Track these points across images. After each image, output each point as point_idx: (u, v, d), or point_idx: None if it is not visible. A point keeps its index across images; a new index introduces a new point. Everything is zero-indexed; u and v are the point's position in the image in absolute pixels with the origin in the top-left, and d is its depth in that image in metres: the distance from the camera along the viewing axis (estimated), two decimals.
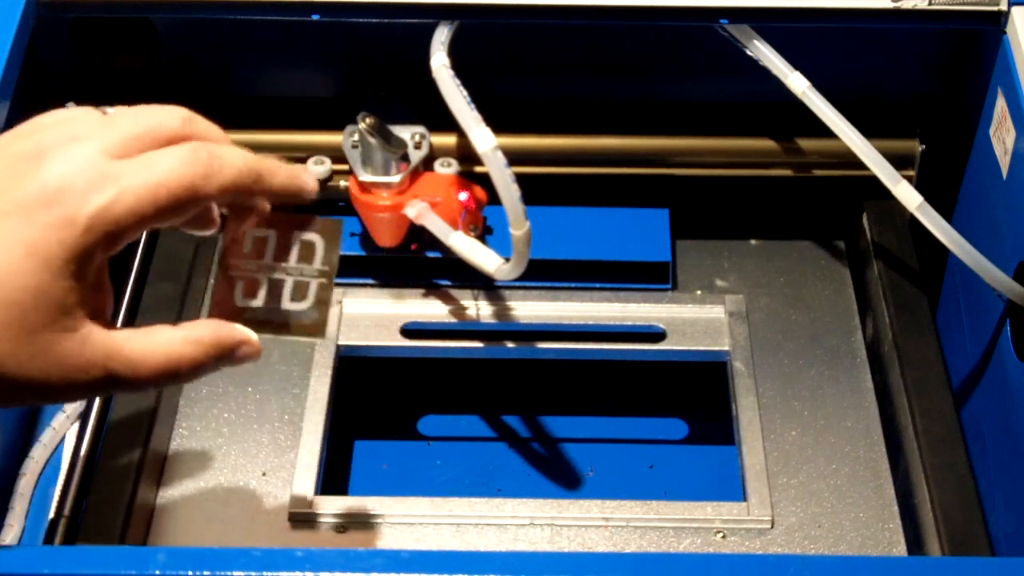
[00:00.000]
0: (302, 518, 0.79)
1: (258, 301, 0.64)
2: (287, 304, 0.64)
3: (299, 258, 0.65)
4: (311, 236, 0.65)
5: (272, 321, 0.64)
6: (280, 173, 0.62)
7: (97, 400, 0.83)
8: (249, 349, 0.62)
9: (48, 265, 0.56)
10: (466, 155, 0.91)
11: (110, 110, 0.61)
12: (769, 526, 0.79)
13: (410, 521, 0.79)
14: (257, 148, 0.94)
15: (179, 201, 0.58)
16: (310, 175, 0.64)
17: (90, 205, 0.56)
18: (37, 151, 0.58)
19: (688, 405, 0.96)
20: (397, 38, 0.93)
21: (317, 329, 0.65)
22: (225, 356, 0.61)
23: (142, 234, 0.60)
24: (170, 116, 0.61)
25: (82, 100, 0.89)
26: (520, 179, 0.78)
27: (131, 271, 0.89)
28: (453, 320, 0.91)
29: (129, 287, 0.88)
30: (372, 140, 0.86)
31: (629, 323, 0.91)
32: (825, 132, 0.85)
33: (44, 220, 0.56)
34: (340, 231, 0.65)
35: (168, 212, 0.58)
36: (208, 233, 0.65)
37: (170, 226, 0.61)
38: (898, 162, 0.86)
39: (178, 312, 0.87)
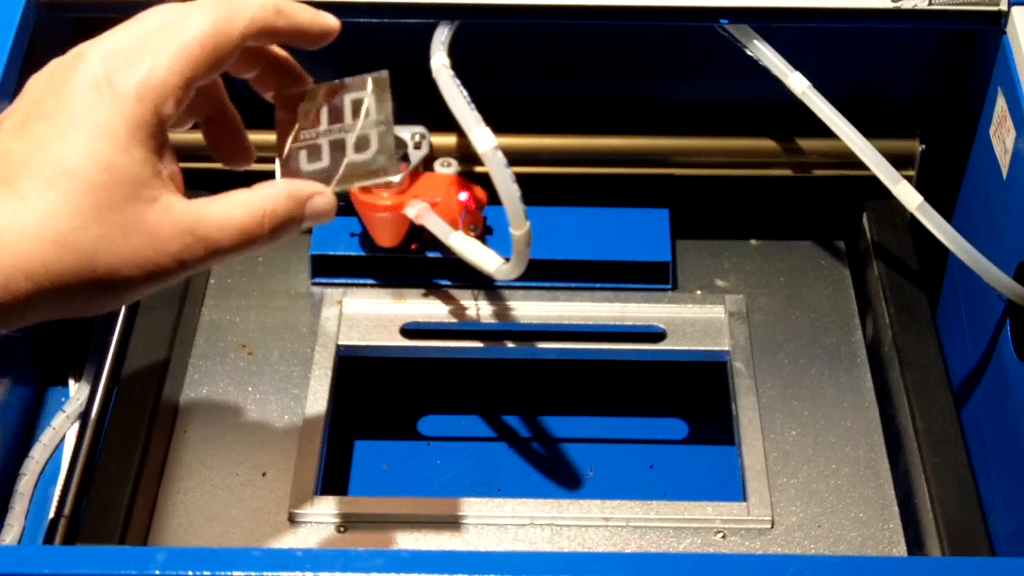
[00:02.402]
0: (302, 518, 0.79)
1: (323, 162, 0.65)
2: (352, 156, 0.66)
3: (353, 116, 0.66)
4: (359, 94, 0.66)
5: (342, 174, 0.65)
6: (303, 10, 0.65)
7: (97, 400, 0.83)
8: (324, 200, 0.64)
9: (115, 141, 0.58)
10: (466, 155, 0.91)
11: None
12: (769, 526, 0.79)
13: (410, 521, 0.79)
14: (257, 148, 0.95)
15: (212, 48, 0.61)
16: (330, 15, 0.66)
17: (133, 78, 0.59)
18: (76, 52, 0.60)
19: (688, 405, 0.96)
20: (397, 38, 0.93)
21: (385, 171, 0.66)
22: (300, 209, 0.63)
23: (194, 95, 0.62)
24: None
25: None
26: (520, 179, 0.78)
27: None
28: (453, 320, 0.91)
29: None
30: None
31: (629, 323, 0.91)
32: (825, 132, 0.85)
33: (98, 102, 0.58)
34: (388, 83, 0.66)
35: (207, 63, 0.61)
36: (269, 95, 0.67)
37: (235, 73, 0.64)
38: (898, 162, 0.86)
39: (179, 306, 0.87)
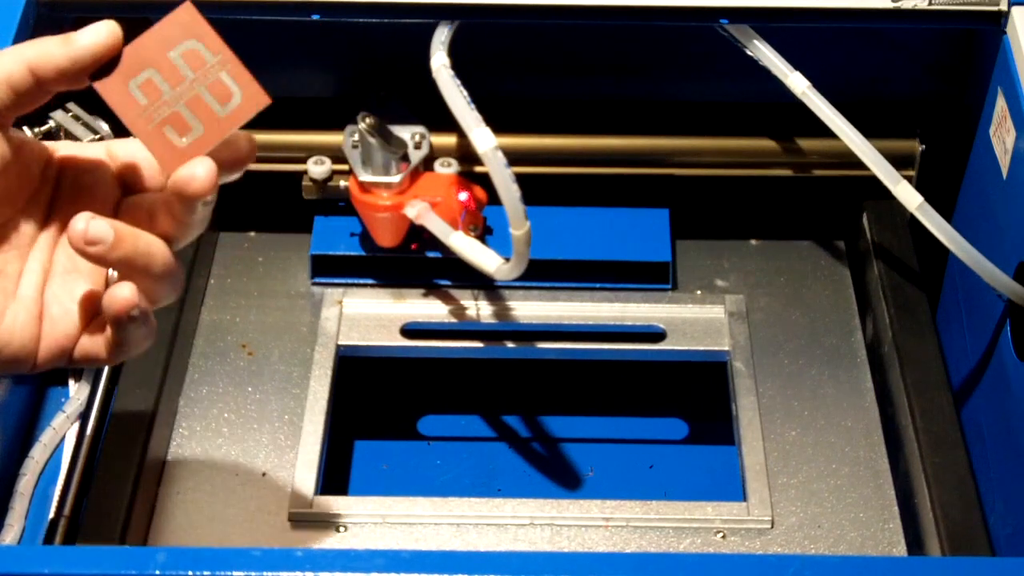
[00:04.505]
0: (302, 518, 0.79)
1: (196, 128, 0.60)
2: (219, 109, 0.61)
3: (191, 68, 0.61)
4: (183, 45, 0.61)
5: (223, 127, 0.61)
6: (52, 52, 0.62)
7: (97, 400, 0.83)
8: (203, 168, 0.59)
9: None
10: (466, 155, 0.91)
11: None
12: (769, 526, 0.79)
13: (410, 521, 0.79)
14: (257, 148, 0.94)
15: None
16: (91, 32, 0.63)
17: None
18: None
19: (688, 405, 0.96)
20: (397, 38, 0.93)
21: (256, 101, 0.61)
22: (185, 187, 0.59)
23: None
24: None
25: (82, 100, 0.89)
26: (520, 179, 0.78)
27: None
28: (453, 320, 0.91)
29: None
30: (372, 140, 0.86)
31: (629, 323, 0.91)
32: (825, 132, 0.85)
33: None
34: (196, 12, 0.61)
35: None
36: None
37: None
38: (898, 162, 0.86)
39: (179, 306, 0.88)
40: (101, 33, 0.63)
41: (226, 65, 0.61)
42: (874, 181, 0.85)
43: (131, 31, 0.95)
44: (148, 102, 0.61)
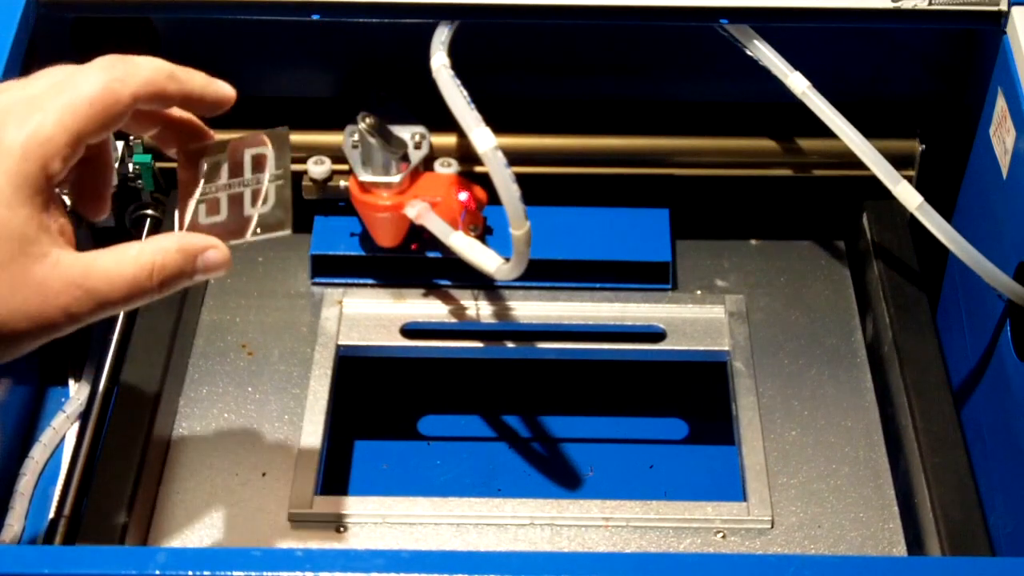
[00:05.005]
0: (302, 518, 0.79)
1: (221, 215, 0.66)
2: (249, 210, 0.66)
3: (253, 171, 0.67)
4: (260, 149, 0.67)
5: (239, 228, 0.66)
6: (196, 76, 0.65)
7: (97, 400, 0.83)
8: (217, 254, 0.64)
9: (1, 198, 0.58)
10: (466, 155, 0.91)
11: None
12: (769, 526, 0.79)
13: (410, 521, 0.79)
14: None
15: (102, 108, 0.61)
16: (226, 84, 0.67)
17: (21, 132, 0.59)
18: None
19: (688, 405, 0.96)
20: (397, 38, 0.93)
21: (281, 225, 0.66)
22: (191, 262, 0.63)
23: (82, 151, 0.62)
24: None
25: None
26: (520, 179, 0.78)
27: None
28: (453, 320, 0.91)
29: None
30: (372, 140, 0.86)
31: (629, 323, 0.91)
32: (825, 132, 0.85)
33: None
34: (287, 137, 0.67)
35: (96, 122, 0.61)
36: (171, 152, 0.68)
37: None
38: (898, 162, 0.86)
39: (179, 306, 0.88)
40: (227, 89, 0.67)
41: (279, 182, 0.67)
42: (874, 181, 0.85)
43: (132, 31, 0.95)
44: (205, 181, 0.67)
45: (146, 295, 0.62)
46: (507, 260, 0.83)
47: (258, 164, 0.67)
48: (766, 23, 0.86)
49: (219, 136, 0.69)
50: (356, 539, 0.78)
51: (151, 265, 0.62)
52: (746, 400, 0.86)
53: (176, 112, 0.67)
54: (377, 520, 0.79)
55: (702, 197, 0.96)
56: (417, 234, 0.90)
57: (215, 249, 0.64)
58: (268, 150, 0.67)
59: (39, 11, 0.86)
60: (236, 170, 0.67)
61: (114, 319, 0.86)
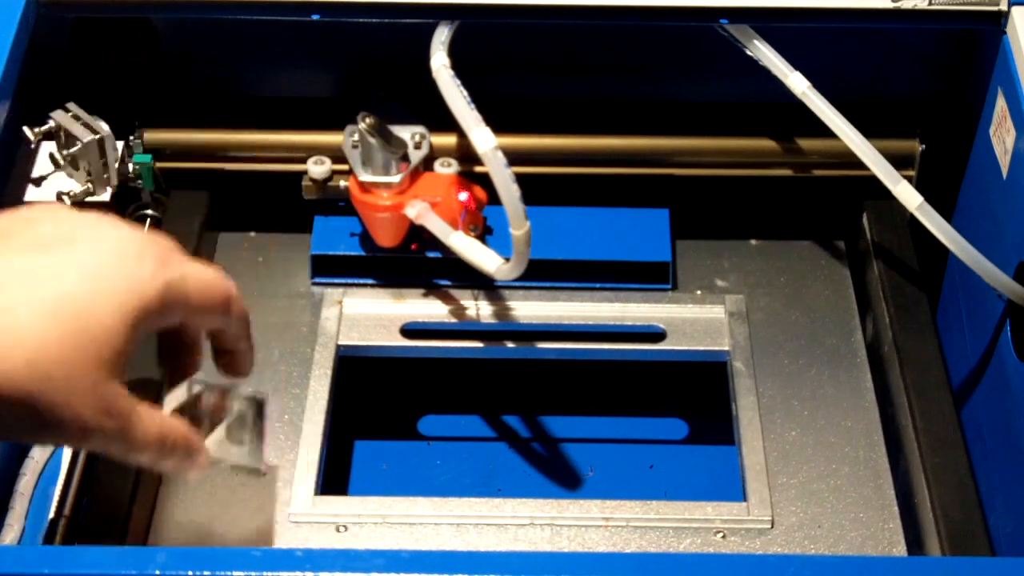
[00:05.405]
0: (302, 518, 0.79)
1: (202, 431, 0.69)
2: (228, 444, 0.71)
3: (236, 418, 0.71)
4: (245, 401, 0.71)
5: (216, 455, 0.70)
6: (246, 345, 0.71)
7: None
8: (201, 461, 0.67)
9: (122, 313, 0.60)
10: (466, 155, 0.91)
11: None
12: (769, 526, 0.79)
13: (410, 521, 0.79)
14: (257, 148, 0.95)
15: (217, 303, 0.66)
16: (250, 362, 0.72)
17: (167, 274, 0.62)
18: (111, 222, 0.64)
19: (688, 405, 0.96)
20: (397, 38, 0.93)
21: (258, 471, 0.72)
22: (190, 456, 0.67)
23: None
24: None
25: (82, 100, 0.89)
26: (520, 179, 0.78)
27: None
28: (453, 320, 0.91)
29: None
30: (372, 140, 0.86)
31: (629, 323, 0.91)
32: (825, 132, 0.85)
33: (129, 272, 0.61)
34: (265, 404, 0.72)
35: (205, 308, 0.65)
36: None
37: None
38: (898, 162, 0.86)
39: None
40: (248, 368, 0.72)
41: (255, 435, 0.72)
42: (874, 181, 0.85)
43: (132, 31, 0.95)
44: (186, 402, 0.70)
45: (159, 452, 0.65)
46: (507, 260, 0.83)
47: (239, 411, 0.71)
48: (766, 23, 0.86)
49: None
50: (356, 539, 0.78)
51: (172, 430, 0.65)
52: (746, 400, 0.86)
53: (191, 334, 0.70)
54: (377, 520, 0.79)
55: (702, 197, 0.96)
56: (417, 234, 0.90)
57: (202, 456, 0.68)
58: (249, 405, 0.71)
59: (39, 11, 0.86)
60: (218, 406, 0.71)
61: None
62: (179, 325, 0.67)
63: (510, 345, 0.90)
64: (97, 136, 0.88)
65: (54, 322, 0.58)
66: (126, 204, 0.93)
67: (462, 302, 0.91)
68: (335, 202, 0.92)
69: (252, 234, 0.97)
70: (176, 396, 0.69)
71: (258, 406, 0.71)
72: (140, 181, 0.92)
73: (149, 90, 0.96)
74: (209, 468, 0.68)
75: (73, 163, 0.89)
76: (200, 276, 0.65)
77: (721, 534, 0.79)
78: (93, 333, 0.59)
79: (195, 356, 0.70)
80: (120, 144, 0.90)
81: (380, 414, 0.95)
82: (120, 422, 0.61)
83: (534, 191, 0.82)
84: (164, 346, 0.70)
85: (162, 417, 0.65)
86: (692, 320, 0.91)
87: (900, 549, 0.78)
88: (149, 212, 0.93)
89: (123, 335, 0.60)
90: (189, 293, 0.64)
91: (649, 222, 0.94)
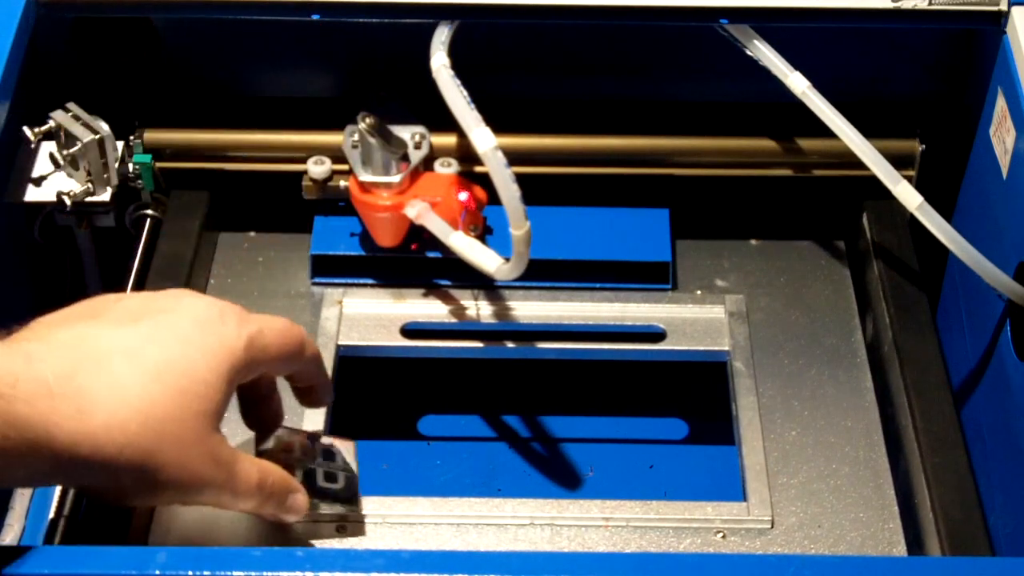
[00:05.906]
0: (302, 518, 0.79)
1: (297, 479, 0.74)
2: (322, 483, 0.75)
3: (324, 457, 0.75)
4: (330, 442, 0.75)
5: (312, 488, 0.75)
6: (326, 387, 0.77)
7: None
8: (301, 499, 0.73)
9: (218, 369, 0.66)
10: (466, 155, 0.91)
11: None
12: (769, 526, 0.79)
13: (410, 521, 0.79)
14: (257, 148, 0.95)
15: (294, 349, 0.71)
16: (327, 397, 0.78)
17: (248, 329, 0.68)
18: (188, 293, 0.71)
19: (688, 405, 0.96)
20: (397, 38, 0.93)
21: (351, 503, 0.77)
22: (285, 499, 0.72)
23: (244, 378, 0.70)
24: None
25: (82, 100, 0.89)
26: (520, 179, 0.78)
27: (131, 271, 0.89)
28: (453, 320, 0.91)
29: (129, 287, 0.89)
30: (372, 140, 0.86)
31: (629, 323, 0.91)
32: (825, 132, 0.85)
33: (216, 332, 0.67)
34: (355, 445, 0.76)
35: (285, 355, 0.71)
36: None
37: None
38: (898, 162, 0.86)
39: None
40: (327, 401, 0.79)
41: (348, 473, 0.76)
42: (874, 181, 0.85)
43: (132, 31, 0.95)
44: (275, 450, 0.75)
45: (259, 496, 0.70)
46: (507, 260, 0.83)
47: (328, 455, 0.75)
48: (766, 23, 0.86)
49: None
50: (356, 539, 0.78)
51: (269, 474, 0.70)
52: (746, 400, 0.86)
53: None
54: (377, 520, 0.79)
55: (702, 197, 0.96)
56: (417, 234, 0.90)
57: (302, 495, 0.73)
58: (339, 446, 0.76)
59: (39, 11, 0.86)
60: (308, 453, 0.75)
61: None
62: (259, 377, 0.72)
63: (510, 345, 0.90)
64: (97, 136, 0.88)
65: (159, 384, 0.64)
66: (126, 204, 0.93)
67: (462, 302, 0.91)
68: (335, 202, 0.92)
69: (252, 234, 0.97)
70: (266, 447, 0.74)
71: (345, 444, 0.76)
72: (140, 181, 0.92)
73: (149, 90, 0.96)
74: (309, 508, 0.73)
75: (73, 163, 0.89)
76: (274, 326, 0.70)
77: (721, 534, 0.79)
78: (196, 390, 0.65)
79: (276, 407, 0.75)
80: (120, 144, 0.90)
81: (380, 414, 0.95)
82: (226, 470, 0.67)
83: (534, 191, 0.82)
84: (245, 403, 0.75)
85: (260, 463, 0.70)
86: (692, 320, 0.91)
87: (900, 549, 0.78)
88: (149, 212, 0.93)
89: (220, 390, 0.66)
90: (268, 344, 0.69)
91: (649, 222, 0.94)
